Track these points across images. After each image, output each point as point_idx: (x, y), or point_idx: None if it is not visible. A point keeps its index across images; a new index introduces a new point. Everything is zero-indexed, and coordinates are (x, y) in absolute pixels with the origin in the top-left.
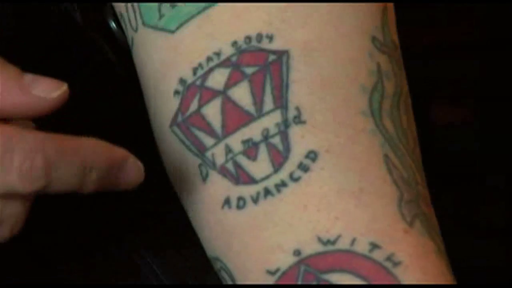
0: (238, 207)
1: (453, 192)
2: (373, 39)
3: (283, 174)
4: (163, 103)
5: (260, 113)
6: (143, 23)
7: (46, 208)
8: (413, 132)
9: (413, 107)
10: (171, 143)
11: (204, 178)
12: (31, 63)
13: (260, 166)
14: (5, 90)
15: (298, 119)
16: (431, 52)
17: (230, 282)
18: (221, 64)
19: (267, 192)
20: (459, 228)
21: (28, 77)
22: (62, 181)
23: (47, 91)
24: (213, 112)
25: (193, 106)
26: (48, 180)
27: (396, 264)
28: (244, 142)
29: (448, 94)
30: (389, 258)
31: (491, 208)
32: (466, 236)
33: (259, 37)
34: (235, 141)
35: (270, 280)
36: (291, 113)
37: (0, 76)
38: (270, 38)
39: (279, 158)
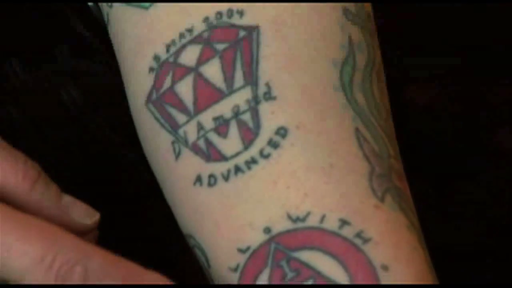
0: (209, 184)
1: (428, 174)
2: (345, 11)
3: (253, 151)
4: (139, 80)
5: (231, 90)
6: None
7: None
8: (385, 103)
9: (388, 88)
10: (147, 121)
11: (177, 156)
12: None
13: (230, 143)
14: (44, 211)
15: (268, 95)
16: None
17: (203, 259)
18: (193, 41)
19: (237, 169)
20: (433, 211)
21: (67, 199)
22: None
23: (82, 217)
24: (185, 89)
25: (167, 83)
26: None
27: (366, 240)
28: (215, 119)
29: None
30: (358, 235)
31: (466, 190)
32: (444, 217)
33: (230, 13)
34: (207, 118)
35: (241, 258)
36: (261, 89)
37: (40, 196)
38: (241, 13)
39: (249, 135)
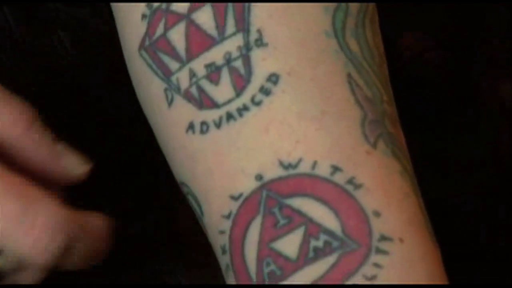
0: (202, 132)
1: (421, 128)
2: None
3: (245, 98)
4: (132, 27)
5: (222, 37)
6: None
7: None
8: (379, 48)
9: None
10: (140, 67)
11: (170, 103)
12: None
13: (222, 91)
14: (39, 156)
15: (260, 42)
16: None
17: (196, 207)
18: None
19: (229, 116)
20: (427, 164)
21: (60, 146)
22: (72, 261)
23: (74, 165)
24: (177, 36)
25: (159, 30)
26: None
27: (358, 187)
28: (207, 66)
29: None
30: (350, 181)
31: (459, 144)
32: (435, 172)
33: None
34: (199, 65)
35: (234, 205)
36: (253, 36)
37: (36, 139)
38: None
39: (241, 82)
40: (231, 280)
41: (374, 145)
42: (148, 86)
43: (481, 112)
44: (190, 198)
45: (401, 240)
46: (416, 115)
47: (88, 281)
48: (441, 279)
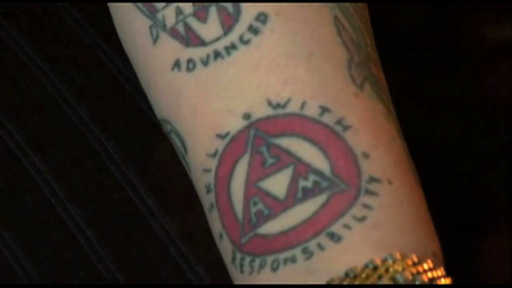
0: (188, 69)
1: (401, 66)
2: None
3: (233, 37)
4: None
5: None
6: None
7: None
8: None
9: None
10: (122, 5)
11: (155, 40)
12: None
13: (210, 28)
14: None
15: None
16: None
17: (179, 145)
18: None
19: (217, 54)
20: (407, 100)
21: None
22: None
23: None
24: None
25: None
26: None
27: (346, 127)
28: (195, 4)
29: None
30: (339, 122)
31: (436, 80)
32: (414, 108)
33: None
34: (186, 3)
35: (220, 144)
36: None
37: None
38: None
39: (229, 21)
40: (214, 220)
41: (361, 87)
42: (132, 23)
43: (463, 53)
44: (173, 136)
45: (389, 182)
46: (398, 58)
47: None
48: (427, 221)
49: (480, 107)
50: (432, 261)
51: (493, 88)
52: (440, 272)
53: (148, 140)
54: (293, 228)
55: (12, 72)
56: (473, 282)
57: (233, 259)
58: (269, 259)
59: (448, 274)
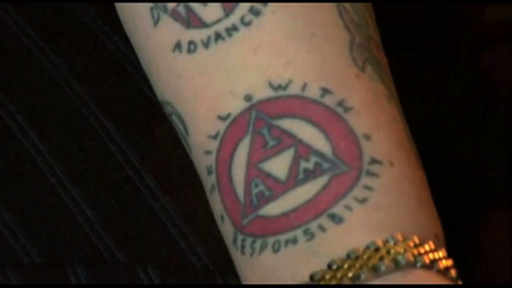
0: (189, 51)
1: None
2: None
3: (234, 18)
4: None
5: None
6: None
7: None
8: None
9: None
10: None
11: (156, 22)
12: None
13: (211, 10)
14: None
15: None
16: None
17: (180, 127)
18: None
19: (218, 36)
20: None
21: None
22: None
23: None
24: None
25: None
26: None
27: (348, 109)
28: None
29: None
30: (340, 104)
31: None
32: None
33: None
34: None
35: (221, 126)
36: None
37: None
38: None
39: (230, 2)
40: (216, 202)
41: (362, 69)
42: (133, 5)
43: (463, 34)
44: (174, 118)
45: (391, 163)
46: (397, 40)
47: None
48: (429, 203)
49: (480, 88)
50: (434, 243)
51: (494, 69)
52: (441, 253)
53: (149, 120)
54: (294, 210)
55: (12, 53)
56: (475, 262)
57: (234, 240)
58: (270, 240)
59: (449, 255)
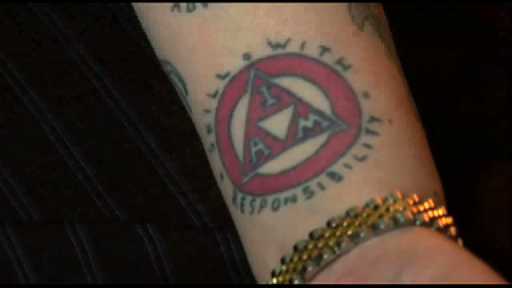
0: (188, 10)
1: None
2: None
3: None
4: None
5: None
6: None
7: None
8: None
9: None
10: None
11: None
12: None
13: None
14: None
15: None
16: None
17: (179, 86)
18: None
19: None
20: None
21: None
22: None
23: None
24: None
25: None
26: None
27: (347, 67)
28: None
29: None
30: (339, 62)
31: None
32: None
33: None
34: None
35: (220, 84)
36: None
37: None
38: None
39: None
40: (215, 160)
41: (361, 27)
42: None
43: None
44: (173, 76)
45: (390, 121)
46: None
47: None
48: (428, 160)
49: (480, 37)
50: (433, 201)
51: (495, 26)
52: (441, 211)
53: (147, 77)
54: (294, 168)
55: (10, 10)
56: (475, 216)
57: (234, 198)
58: (270, 198)
59: (449, 213)
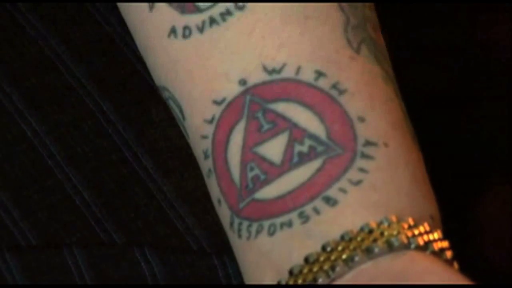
0: (184, 36)
1: (401, 13)
2: None
3: (228, 3)
4: None
5: None
6: None
7: None
8: None
9: None
10: None
11: (151, 7)
12: None
13: None
14: None
15: None
16: None
17: (177, 111)
18: None
19: (212, 20)
20: (407, 50)
21: None
22: None
23: None
24: None
25: None
26: None
27: (342, 91)
28: None
29: None
30: (334, 86)
31: (437, 29)
32: (414, 57)
33: None
34: None
35: (217, 110)
36: None
37: None
38: None
39: None
40: (212, 185)
41: (357, 50)
42: None
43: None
44: (170, 102)
45: (385, 144)
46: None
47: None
48: (425, 183)
49: (478, 54)
50: (429, 224)
51: (491, 37)
52: (436, 234)
53: (145, 101)
54: (289, 193)
55: (9, 34)
56: (471, 243)
57: (231, 224)
58: (266, 223)
59: (445, 236)
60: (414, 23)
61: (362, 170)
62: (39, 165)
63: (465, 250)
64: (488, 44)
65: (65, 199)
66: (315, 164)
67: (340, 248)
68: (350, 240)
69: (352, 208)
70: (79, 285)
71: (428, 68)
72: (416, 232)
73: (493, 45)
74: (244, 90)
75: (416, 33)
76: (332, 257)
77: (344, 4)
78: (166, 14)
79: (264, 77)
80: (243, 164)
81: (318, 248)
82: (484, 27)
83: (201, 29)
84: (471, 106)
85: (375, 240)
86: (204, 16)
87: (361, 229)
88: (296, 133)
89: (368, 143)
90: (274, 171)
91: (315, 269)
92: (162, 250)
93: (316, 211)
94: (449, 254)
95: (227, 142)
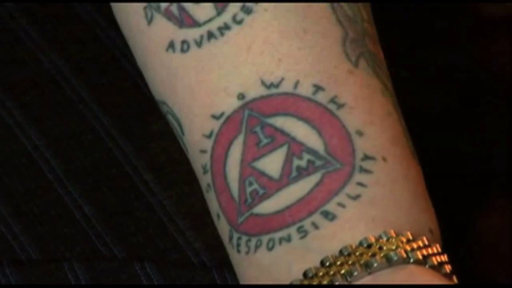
0: (182, 50)
1: (401, 33)
2: None
3: (226, 17)
4: None
5: None
6: None
7: None
8: None
9: None
10: None
11: (149, 21)
12: None
13: (203, 9)
14: None
15: None
16: None
17: (176, 126)
18: None
19: (210, 35)
20: (407, 69)
21: None
22: None
23: None
24: None
25: None
26: None
27: (340, 106)
28: None
29: None
30: (332, 100)
31: (437, 51)
32: (414, 76)
33: None
34: None
35: (215, 124)
36: None
37: None
38: None
39: (222, 1)
40: (211, 200)
41: (356, 64)
42: (127, 4)
43: (462, 27)
44: (170, 117)
45: (384, 159)
46: (395, 25)
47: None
48: (424, 197)
49: (479, 79)
50: (428, 238)
51: (492, 61)
52: (435, 249)
53: (145, 115)
54: (288, 208)
55: (9, 48)
56: (470, 257)
57: (230, 238)
58: (265, 238)
59: (445, 250)
60: (414, 43)
61: (360, 184)
62: (39, 179)
63: (464, 263)
64: (487, 62)
65: (65, 213)
66: (314, 178)
67: (339, 262)
68: (349, 255)
69: (350, 223)
70: (78, 285)
71: (428, 87)
72: (415, 246)
73: (492, 64)
74: (243, 105)
75: (416, 53)
76: (331, 272)
77: (342, 18)
78: (164, 28)
79: (263, 91)
80: (242, 178)
81: (317, 263)
82: (483, 46)
83: (199, 44)
84: (470, 123)
85: (373, 255)
86: (203, 30)
87: (360, 244)
88: (295, 147)
89: (366, 157)
90: (272, 185)
91: (314, 283)
92: (163, 264)
93: (315, 225)
94: (448, 268)
95: (225, 156)
